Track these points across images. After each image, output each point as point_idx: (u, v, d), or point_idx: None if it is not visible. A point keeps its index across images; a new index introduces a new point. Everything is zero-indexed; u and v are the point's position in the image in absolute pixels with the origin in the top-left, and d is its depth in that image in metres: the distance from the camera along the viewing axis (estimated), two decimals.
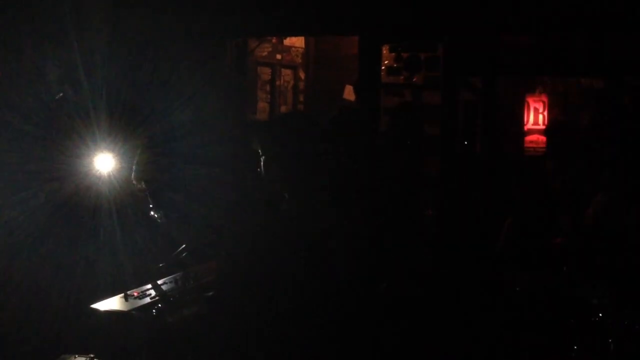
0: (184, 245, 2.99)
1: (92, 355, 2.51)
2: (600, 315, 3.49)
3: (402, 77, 6.86)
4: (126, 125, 4.23)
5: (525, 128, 7.80)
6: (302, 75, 8.82)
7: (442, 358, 3.82)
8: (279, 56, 8.48)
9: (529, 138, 7.80)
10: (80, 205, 4.20)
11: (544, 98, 7.80)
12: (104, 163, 3.96)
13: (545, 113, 7.82)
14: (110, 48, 5.60)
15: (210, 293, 3.07)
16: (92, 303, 3.14)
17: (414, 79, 6.89)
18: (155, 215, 1.93)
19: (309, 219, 2.98)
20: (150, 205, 1.94)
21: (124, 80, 5.71)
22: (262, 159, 3.08)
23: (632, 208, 4.99)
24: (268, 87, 8.43)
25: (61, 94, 4.77)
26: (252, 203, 2.05)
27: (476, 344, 4.07)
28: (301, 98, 8.86)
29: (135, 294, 3.24)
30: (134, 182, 1.94)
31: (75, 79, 5.18)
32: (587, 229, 5.04)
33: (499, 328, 4.17)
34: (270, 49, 8.33)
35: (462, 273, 5.91)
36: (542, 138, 7.76)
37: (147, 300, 3.18)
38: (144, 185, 1.92)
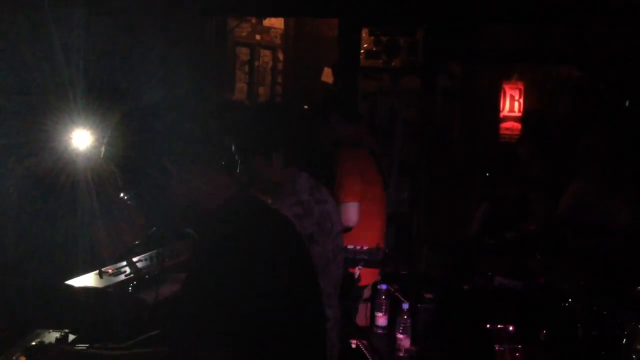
0: (154, 229, 2.97)
1: (66, 331, 2.51)
2: (570, 300, 3.54)
3: (380, 61, 6.89)
4: (103, 101, 4.20)
5: (501, 115, 7.85)
6: (281, 56, 8.81)
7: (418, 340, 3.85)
8: (258, 37, 8.45)
9: (504, 125, 7.86)
10: (58, 182, 4.18)
11: (521, 85, 7.85)
12: (81, 139, 3.95)
13: (521, 100, 7.88)
14: (87, 22, 5.55)
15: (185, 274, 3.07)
16: (68, 279, 3.13)
17: (393, 64, 6.93)
18: (125, 197, 1.92)
19: None
20: (120, 185, 1.92)
21: (101, 55, 5.67)
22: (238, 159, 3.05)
23: (606, 197, 5.06)
24: (247, 68, 8.41)
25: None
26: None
27: (447, 326, 4.11)
28: (279, 79, 8.86)
29: (110, 271, 3.23)
30: (103, 159, 1.92)
31: (51, 54, 5.14)
32: (561, 216, 5.10)
33: (470, 311, 4.21)
34: (249, 29, 8.30)
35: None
36: (517, 125, 7.83)
37: (122, 277, 3.18)
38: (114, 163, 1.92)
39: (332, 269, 3.06)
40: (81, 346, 2.26)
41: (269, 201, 2.93)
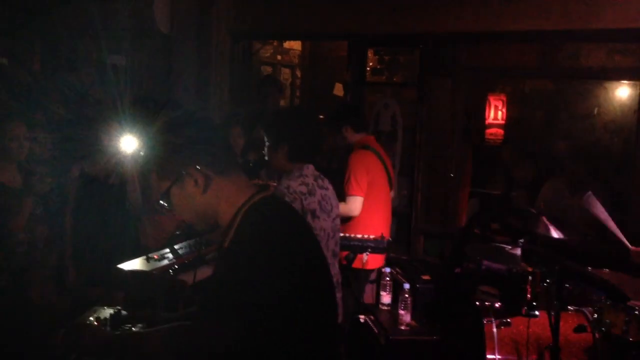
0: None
1: (119, 308, 2.51)
2: (548, 281, 3.53)
3: (384, 77, 6.88)
4: (147, 111, 4.23)
5: (487, 122, 7.82)
6: (298, 73, 8.81)
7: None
8: (279, 57, 8.45)
9: (489, 131, 7.83)
10: (109, 180, 4.21)
11: (503, 97, 7.82)
12: (128, 143, 3.97)
13: (504, 110, 7.85)
14: (133, 44, 5.58)
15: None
16: (119, 264, 3.15)
17: (394, 79, 6.92)
18: (164, 203, 1.93)
19: None
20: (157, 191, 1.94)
21: (145, 73, 5.70)
22: (266, 145, 3.09)
23: (575, 193, 5.04)
24: None
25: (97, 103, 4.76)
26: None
27: (442, 303, 4.10)
28: (298, 93, 8.86)
29: (155, 256, 3.25)
30: (143, 166, 1.94)
31: (103, 72, 5.17)
32: (539, 210, 5.08)
33: (462, 290, 4.21)
34: (272, 51, 8.30)
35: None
36: (501, 131, 7.80)
37: (166, 262, 3.20)
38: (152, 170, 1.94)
39: (331, 245, 3.13)
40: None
41: (278, 182, 3.01)
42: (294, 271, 1.78)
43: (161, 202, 1.93)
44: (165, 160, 1.91)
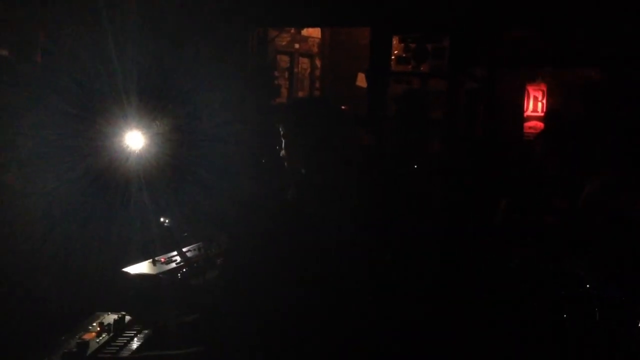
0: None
1: (123, 313, 2.58)
2: (588, 286, 3.53)
3: (410, 66, 6.89)
4: (154, 105, 4.28)
5: (525, 115, 7.79)
6: (318, 63, 8.84)
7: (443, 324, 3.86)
8: (297, 45, 8.49)
9: (528, 124, 7.80)
10: (113, 179, 4.26)
11: (543, 87, 7.78)
12: (134, 140, 4.02)
13: (544, 101, 7.80)
14: (140, 34, 5.65)
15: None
16: (124, 267, 3.22)
17: (421, 68, 6.92)
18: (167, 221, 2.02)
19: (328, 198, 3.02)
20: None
21: (153, 64, 5.76)
22: (283, 140, 3.13)
23: (621, 193, 5.01)
24: (287, 74, 8.45)
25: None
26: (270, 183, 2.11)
27: (476, 314, 4.12)
28: (317, 84, 8.89)
29: (163, 259, 3.31)
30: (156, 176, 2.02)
31: (108, 64, 5.24)
32: (581, 210, 5.06)
33: (496, 299, 4.21)
34: (289, 39, 8.35)
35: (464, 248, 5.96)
36: (540, 124, 7.76)
37: (173, 265, 3.26)
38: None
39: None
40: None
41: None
42: (303, 265, 1.83)
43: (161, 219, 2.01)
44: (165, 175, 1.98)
